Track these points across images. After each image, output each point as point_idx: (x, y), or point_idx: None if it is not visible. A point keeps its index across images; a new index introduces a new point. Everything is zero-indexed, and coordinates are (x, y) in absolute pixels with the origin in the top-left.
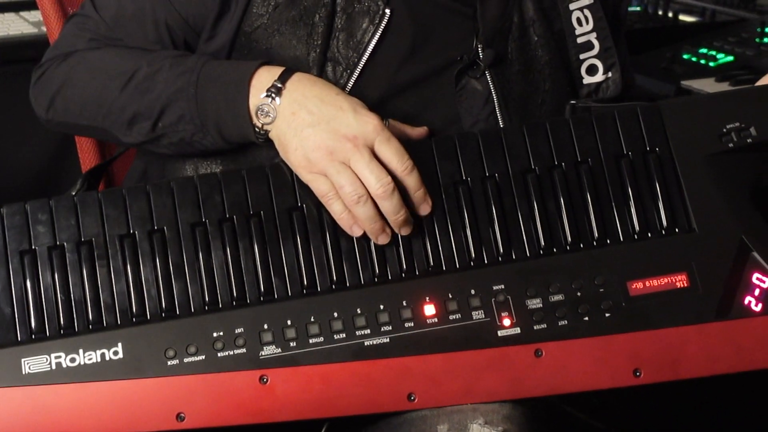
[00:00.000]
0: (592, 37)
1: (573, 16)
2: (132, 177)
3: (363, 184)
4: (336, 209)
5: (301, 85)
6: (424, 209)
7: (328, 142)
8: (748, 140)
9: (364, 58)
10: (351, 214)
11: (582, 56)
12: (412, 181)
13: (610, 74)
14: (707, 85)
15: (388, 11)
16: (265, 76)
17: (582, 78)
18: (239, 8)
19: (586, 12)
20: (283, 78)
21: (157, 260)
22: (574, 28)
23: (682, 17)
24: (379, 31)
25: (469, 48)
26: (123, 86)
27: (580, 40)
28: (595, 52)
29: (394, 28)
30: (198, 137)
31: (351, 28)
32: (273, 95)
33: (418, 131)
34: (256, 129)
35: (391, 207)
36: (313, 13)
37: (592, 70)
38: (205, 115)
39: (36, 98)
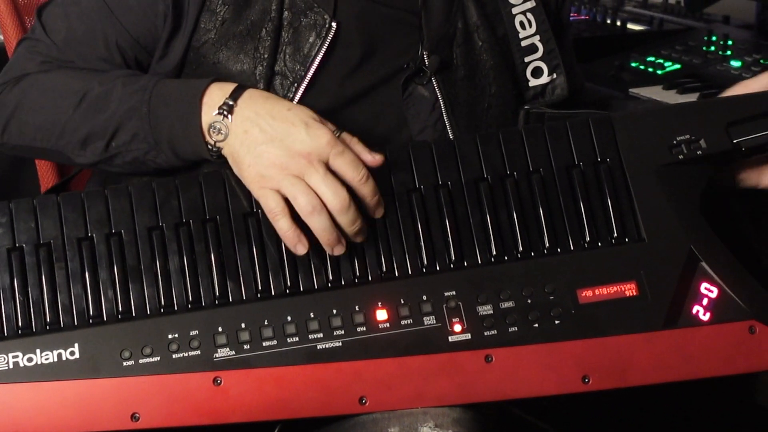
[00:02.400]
0: (536, 39)
1: (516, 20)
2: None
3: (317, 195)
4: (282, 226)
5: (252, 102)
6: (378, 213)
7: (282, 159)
8: (698, 152)
9: (311, 72)
10: (297, 232)
11: (527, 59)
12: (367, 189)
13: (554, 76)
14: (655, 93)
15: (334, 24)
16: (216, 94)
17: (527, 81)
18: (189, 25)
19: (529, 15)
20: (235, 95)
21: (114, 263)
22: (518, 32)
23: (631, 26)
24: (326, 45)
25: (415, 55)
26: (75, 106)
27: (524, 43)
28: (539, 54)
29: (341, 41)
30: (151, 156)
31: (298, 41)
32: (225, 113)
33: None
34: (209, 146)
35: (347, 220)
36: (259, 28)
37: (537, 73)
38: (158, 133)
39: None
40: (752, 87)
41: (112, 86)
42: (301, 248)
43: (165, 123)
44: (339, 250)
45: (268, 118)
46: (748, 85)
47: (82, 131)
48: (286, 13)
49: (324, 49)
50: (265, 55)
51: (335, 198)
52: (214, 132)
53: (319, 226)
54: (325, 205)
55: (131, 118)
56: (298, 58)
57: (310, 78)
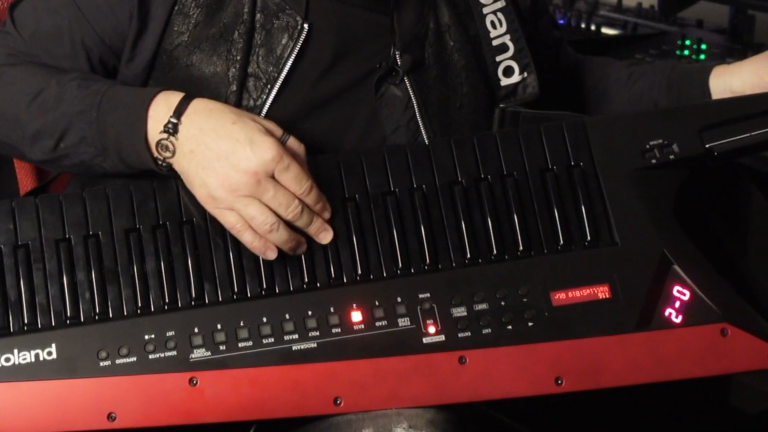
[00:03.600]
0: (507, 39)
1: (487, 19)
2: None
3: (271, 211)
4: (247, 239)
5: (197, 117)
6: (325, 216)
7: (231, 179)
8: (671, 156)
9: (284, 73)
10: (263, 240)
11: (498, 58)
12: (311, 200)
13: (525, 75)
14: None
15: (306, 26)
16: (162, 108)
17: (499, 80)
18: (158, 26)
19: (500, 15)
20: (179, 111)
21: (92, 264)
22: (489, 31)
23: (605, 30)
24: (298, 46)
25: (387, 55)
26: (29, 102)
27: (495, 42)
28: (510, 53)
29: (314, 42)
30: (98, 161)
31: (270, 43)
32: (170, 131)
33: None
34: (158, 161)
35: (304, 223)
36: (232, 30)
37: (508, 72)
38: (105, 139)
39: None
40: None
41: (67, 87)
42: (270, 254)
43: (112, 130)
44: (302, 249)
45: (213, 134)
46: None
47: (32, 127)
48: (258, 15)
49: (296, 51)
50: (238, 57)
51: (287, 210)
52: (161, 149)
53: (279, 240)
54: (280, 219)
55: (80, 120)
56: (271, 60)
57: (283, 79)
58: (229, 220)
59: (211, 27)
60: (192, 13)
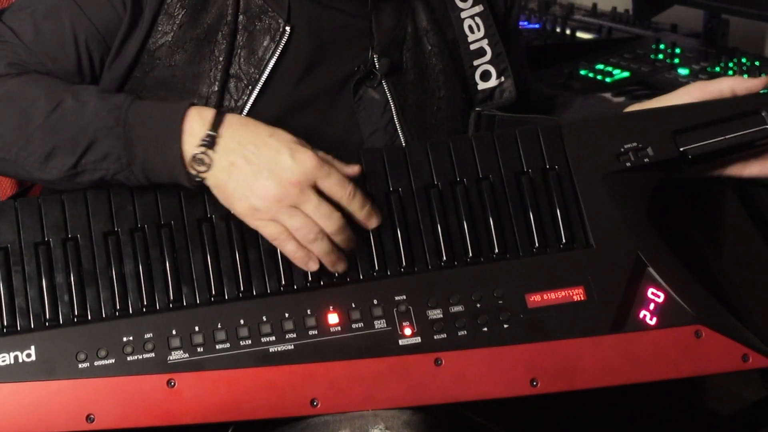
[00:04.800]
0: (484, 43)
1: (465, 24)
2: None
3: (315, 222)
4: (290, 249)
5: (234, 131)
6: (372, 223)
7: (275, 190)
8: (645, 160)
9: (265, 75)
10: (305, 251)
11: (475, 63)
12: (356, 204)
13: (503, 79)
14: None
15: (288, 29)
16: (197, 122)
17: (476, 84)
18: (145, 25)
19: (477, 20)
20: (216, 124)
21: (71, 267)
22: (467, 36)
23: (580, 34)
24: (280, 48)
25: (365, 59)
26: (47, 115)
27: (472, 47)
28: (488, 58)
29: (295, 45)
30: (121, 176)
31: (252, 45)
32: (208, 145)
33: (353, 171)
34: (191, 176)
35: (343, 238)
36: (216, 31)
37: (485, 76)
38: (132, 154)
39: None
40: (672, 100)
41: (86, 100)
42: (313, 265)
43: (140, 146)
44: (342, 267)
45: (252, 147)
46: (669, 98)
47: (49, 143)
48: (241, 17)
49: (278, 53)
50: (221, 58)
51: (330, 222)
52: (196, 163)
53: (321, 251)
54: (323, 230)
55: (106, 136)
56: (252, 61)
57: (264, 81)
58: (271, 231)
59: (196, 28)
60: (177, 14)
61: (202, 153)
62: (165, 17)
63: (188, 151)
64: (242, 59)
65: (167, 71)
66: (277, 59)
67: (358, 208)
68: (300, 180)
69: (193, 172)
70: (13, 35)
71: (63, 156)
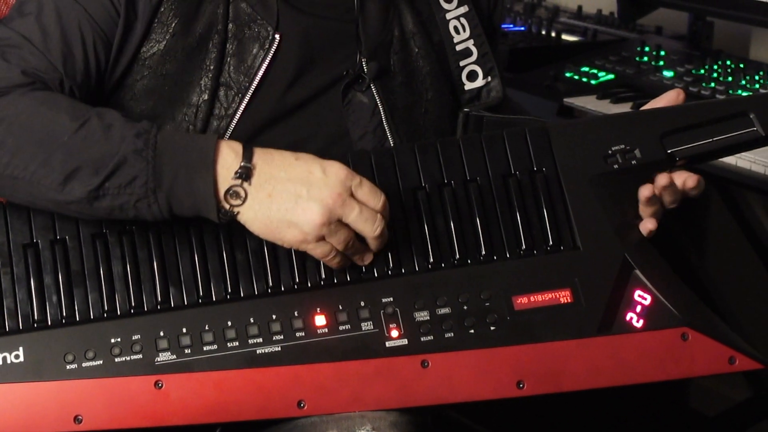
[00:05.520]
0: (470, 44)
1: (450, 25)
2: None
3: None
4: (341, 263)
5: (265, 162)
6: (380, 243)
7: (319, 211)
8: (633, 162)
9: (255, 82)
10: (347, 258)
11: (462, 63)
12: (387, 212)
13: (489, 79)
14: (589, 103)
15: (277, 36)
16: (229, 155)
17: (463, 85)
18: (139, 33)
19: (462, 20)
20: (248, 156)
21: (59, 268)
22: (452, 37)
23: (565, 37)
24: (270, 56)
25: (353, 63)
26: (71, 134)
27: (458, 47)
28: (474, 58)
29: (283, 53)
30: (142, 204)
31: (242, 53)
32: (243, 177)
33: None
34: (223, 210)
35: (380, 243)
36: (207, 40)
37: (472, 76)
38: (159, 181)
39: None
40: (660, 104)
41: (111, 122)
42: (368, 258)
43: (169, 173)
44: (369, 258)
45: (284, 174)
46: (656, 102)
47: (73, 163)
48: (230, 25)
49: (268, 60)
50: (211, 67)
51: (376, 226)
52: (232, 197)
53: (355, 252)
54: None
55: (135, 159)
56: (242, 69)
57: (254, 88)
58: (323, 250)
59: (187, 37)
60: (170, 23)
61: (238, 186)
62: (158, 26)
63: (223, 184)
64: (232, 67)
65: (157, 80)
66: (266, 67)
67: (387, 215)
68: (340, 191)
69: (227, 206)
70: (22, 40)
71: (86, 177)
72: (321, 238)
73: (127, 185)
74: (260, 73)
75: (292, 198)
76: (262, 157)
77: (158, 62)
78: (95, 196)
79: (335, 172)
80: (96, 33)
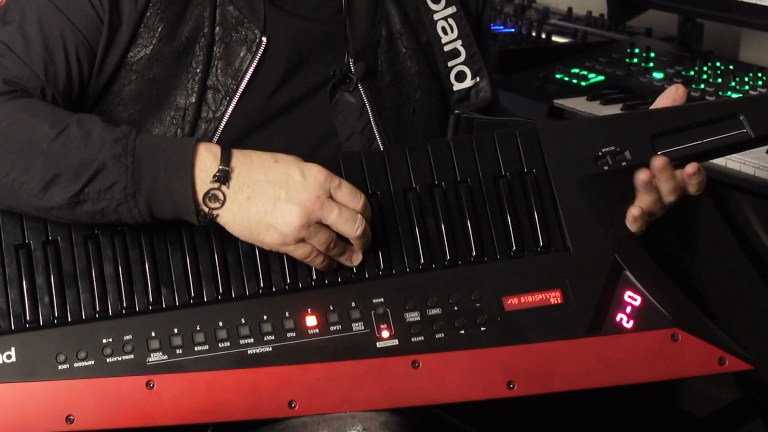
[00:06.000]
0: (458, 44)
1: (438, 25)
2: None
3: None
4: (323, 264)
5: (243, 164)
6: (356, 259)
7: (298, 213)
8: (623, 163)
9: (243, 85)
10: (332, 260)
11: (450, 64)
12: (368, 213)
13: (478, 79)
14: (579, 104)
15: (264, 39)
16: (206, 156)
17: (452, 85)
18: (125, 38)
19: (450, 21)
20: (226, 159)
21: (51, 269)
22: (440, 37)
23: (555, 38)
24: (257, 59)
25: (341, 63)
26: (51, 141)
27: (446, 48)
28: (462, 58)
29: (270, 55)
30: (123, 208)
31: (229, 56)
32: (221, 180)
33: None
34: (202, 213)
35: (363, 243)
36: (193, 44)
37: (460, 77)
38: (138, 185)
39: None
40: (662, 101)
41: (90, 128)
42: (356, 259)
43: (148, 177)
44: (358, 259)
45: (263, 176)
46: (660, 100)
47: (53, 169)
48: (217, 28)
49: (255, 63)
50: (198, 70)
51: (356, 226)
52: (210, 200)
53: (338, 254)
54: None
55: (114, 164)
56: (229, 72)
57: (242, 91)
58: (303, 251)
59: (174, 41)
60: (156, 27)
61: (216, 189)
62: (145, 30)
63: (201, 187)
64: (219, 70)
65: (145, 84)
66: (254, 69)
67: (369, 216)
68: (318, 194)
69: (206, 209)
70: (4, 48)
71: (66, 183)
72: (301, 240)
73: (107, 190)
74: (248, 76)
75: (271, 201)
76: (240, 159)
77: (145, 66)
78: (76, 201)
79: (314, 174)
80: (79, 41)
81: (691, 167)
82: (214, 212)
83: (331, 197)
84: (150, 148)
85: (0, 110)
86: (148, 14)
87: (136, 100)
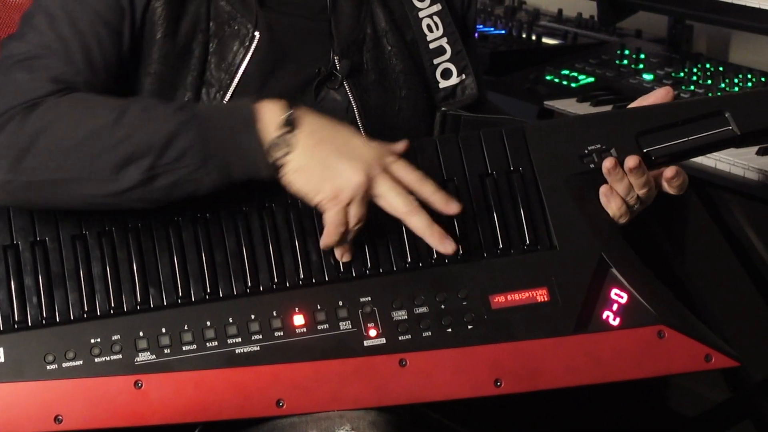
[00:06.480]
0: (443, 42)
1: (423, 23)
2: None
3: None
4: (333, 239)
5: (309, 114)
6: (453, 208)
7: (361, 170)
8: None
9: (236, 80)
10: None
11: (435, 61)
12: (429, 188)
13: (464, 76)
14: (569, 105)
15: (257, 34)
16: (271, 109)
17: (438, 83)
18: (136, 35)
19: (435, 18)
20: (290, 107)
21: (39, 270)
22: (426, 35)
23: (546, 40)
24: (249, 53)
25: (327, 61)
26: (115, 122)
27: (432, 45)
28: (448, 56)
29: (260, 50)
30: (197, 175)
31: (222, 51)
32: (290, 125)
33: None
34: (269, 163)
35: (414, 222)
36: (192, 40)
37: (446, 74)
38: (208, 149)
39: None
40: (649, 101)
41: (148, 104)
42: (347, 256)
43: (216, 140)
44: (348, 257)
45: (330, 128)
46: (646, 99)
47: (124, 149)
48: (211, 23)
49: (248, 58)
50: (196, 65)
51: (408, 202)
52: (277, 148)
53: (345, 243)
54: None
55: (182, 132)
56: (222, 67)
57: (235, 86)
58: (338, 217)
59: (175, 38)
60: (160, 22)
61: (285, 134)
62: (150, 26)
63: (268, 138)
64: (213, 66)
65: (148, 78)
66: (246, 64)
67: (431, 191)
68: (379, 161)
69: (274, 158)
70: (43, 50)
71: (139, 160)
72: (347, 204)
73: (180, 158)
74: (241, 71)
75: (337, 153)
76: (304, 110)
77: (147, 62)
78: (151, 176)
79: (373, 144)
80: (109, 29)
81: (669, 171)
82: (283, 160)
83: (386, 171)
84: (211, 112)
85: (56, 108)
86: (154, 8)
87: (139, 95)
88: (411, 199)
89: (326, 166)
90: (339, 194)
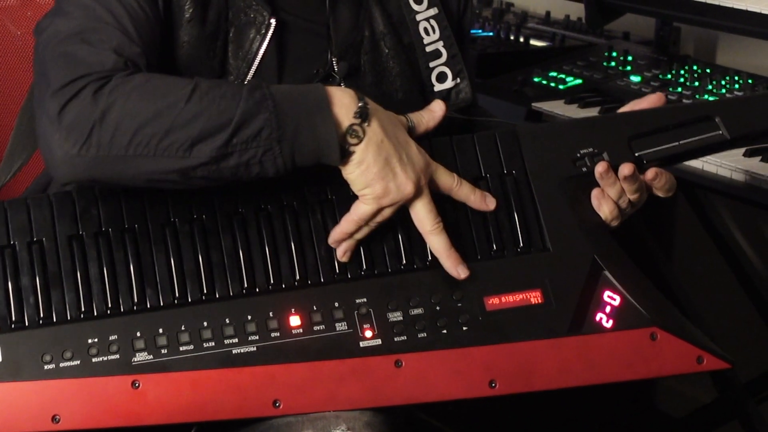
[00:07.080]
0: (439, 45)
1: (420, 26)
2: (35, 190)
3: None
4: (350, 232)
5: (378, 108)
6: (491, 204)
7: (412, 177)
8: None
9: (253, 68)
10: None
11: (431, 64)
12: (466, 190)
13: (458, 80)
14: (557, 107)
15: (273, 21)
16: (344, 96)
17: (433, 86)
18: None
19: (432, 22)
20: (362, 98)
21: (36, 270)
22: (422, 38)
23: (534, 42)
24: (266, 41)
25: (325, 62)
26: (187, 98)
27: (428, 48)
28: (444, 59)
29: (277, 37)
30: (268, 157)
31: (240, 39)
32: (362, 117)
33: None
34: (342, 148)
35: (436, 243)
36: (217, 28)
37: (441, 78)
38: (283, 130)
39: (67, 133)
40: (641, 105)
41: (218, 84)
42: (347, 256)
43: (290, 122)
44: (347, 257)
45: (392, 128)
46: (638, 103)
47: (197, 125)
48: (229, 12)
49: (265, 45)
50: (218, 54)
51: (433, 223)
52: (350, 135)
53: (352, 242)
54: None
55: (259, 111)
56: (240, 55)
57: (252, 74)
58: (368, 215)
59: (203, 24)
60: (186, 6)
61: (358, 125)
62: (178, 12)
63: (343, 123)
64: (231, 54)
65: (176, 60)
66: (264, 52)
67: (469, 192)
68: (426, 170)
69: (346, 146)
70: (98, 21)
71: (213, 136)
72: (388, 206)
73: (254, 138)
74: (258, 58)
75: (396, 154)
76: (373, 103)
77: (173, 48)
78: (223, 153)
79: (422, 151)
80: (151, 8)
81: (650, 173)
82: (353, 149)
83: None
84: (285, 94)
85: (126, 84)
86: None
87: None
88: (439, 219)
89: (385, 165)
90: (386, 195)
